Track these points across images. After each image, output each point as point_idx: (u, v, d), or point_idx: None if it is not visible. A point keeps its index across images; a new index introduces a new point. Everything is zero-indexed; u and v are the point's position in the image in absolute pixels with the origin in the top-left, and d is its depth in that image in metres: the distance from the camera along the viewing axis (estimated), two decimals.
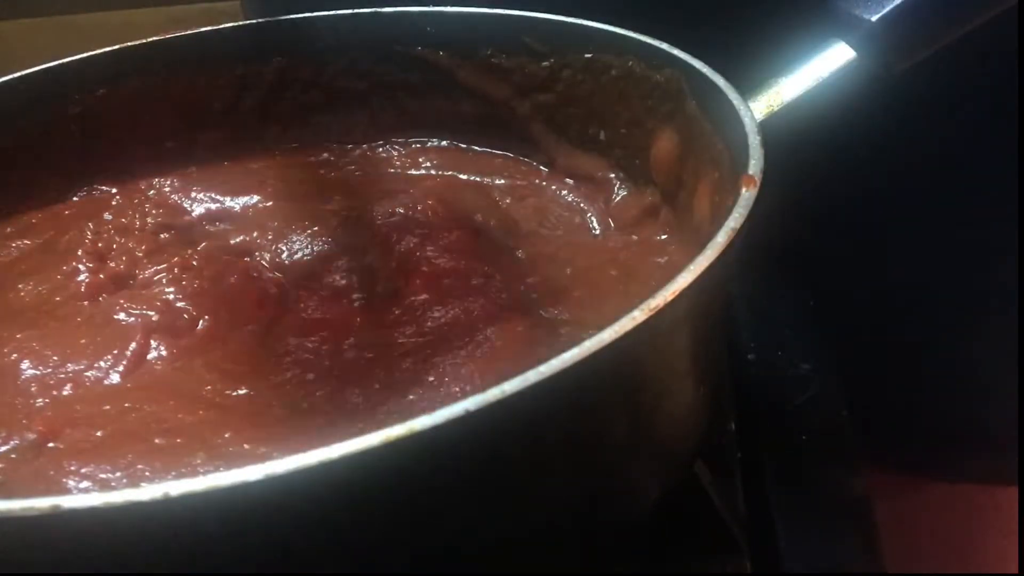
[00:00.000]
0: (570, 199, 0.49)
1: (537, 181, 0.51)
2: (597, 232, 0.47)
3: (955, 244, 0.54)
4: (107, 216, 0.48)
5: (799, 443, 0.43)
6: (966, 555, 0.65)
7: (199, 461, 0.32)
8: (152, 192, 0.50)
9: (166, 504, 0.22)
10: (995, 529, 0.65)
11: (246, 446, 0.33)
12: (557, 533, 0.32)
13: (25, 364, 0.38)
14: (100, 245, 0.46)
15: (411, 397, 0.35)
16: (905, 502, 0.61)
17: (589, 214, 0.48)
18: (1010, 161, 0.51)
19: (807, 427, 0.43)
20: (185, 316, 0.40)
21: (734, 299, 0.49)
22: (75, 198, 0.51)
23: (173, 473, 0.31)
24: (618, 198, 0.48)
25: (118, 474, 0.32)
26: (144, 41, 0.51)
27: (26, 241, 0.48)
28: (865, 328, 0.55)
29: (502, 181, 0.51)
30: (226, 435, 0.33)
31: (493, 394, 0.25)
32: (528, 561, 0.31)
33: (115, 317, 0.40)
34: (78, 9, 0.94)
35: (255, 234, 0.46)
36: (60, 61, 0.49)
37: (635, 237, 0.45)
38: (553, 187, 0.50)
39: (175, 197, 0.49)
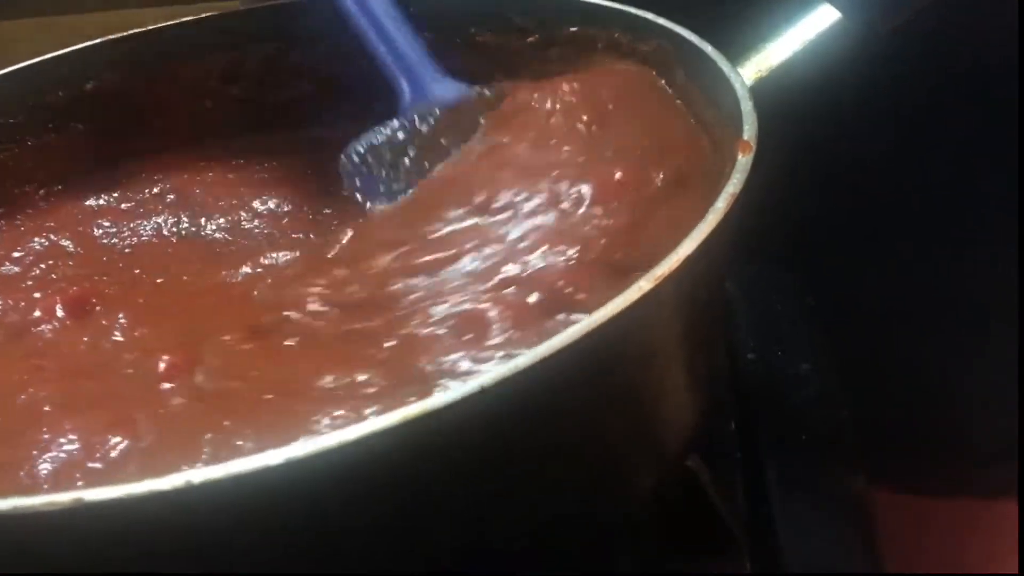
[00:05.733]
0: None
1: None
2: None
3: (955, 242, 0.54)
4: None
5: (799, 443, 0.43)
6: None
7: None
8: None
9: (188, 493, 0.22)
10: (977, 546, 0.65)
11: None
12: (558, 526, 0.32)
13: None
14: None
15: None
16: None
17: None
18: (1011, 135, 0.50)
19: (807, 427, 0.44)
20: None
21: (734, 299, 0.49)
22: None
23: None
24: None
25: None
26: (138, 31, 0.50)
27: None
28: (865, 328, 0.55)
29: None
30: None
31: (507, 369, 0.24)
32: (529, 561, 0.31)
33: None
34: (78, 9, 0.94)
35: None
36: (54, 54, 0.48)
37: None
38: None
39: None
